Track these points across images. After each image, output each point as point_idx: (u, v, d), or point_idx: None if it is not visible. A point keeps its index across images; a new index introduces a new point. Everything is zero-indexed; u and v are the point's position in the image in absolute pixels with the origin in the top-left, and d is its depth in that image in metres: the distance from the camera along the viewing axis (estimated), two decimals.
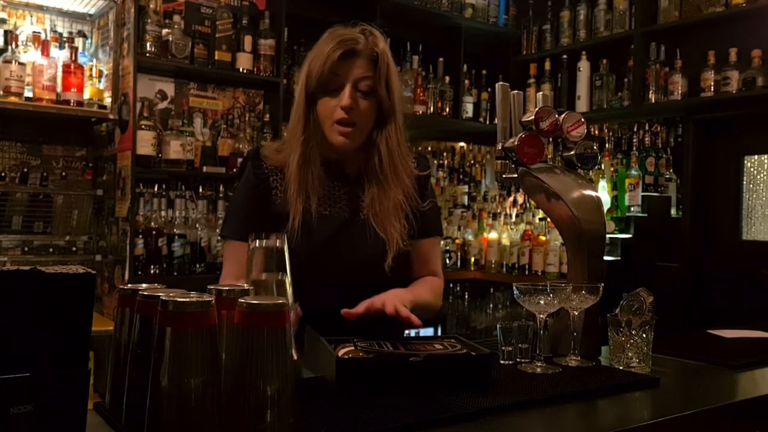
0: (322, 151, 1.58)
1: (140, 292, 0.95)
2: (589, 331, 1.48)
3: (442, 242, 4.04)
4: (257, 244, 1.17)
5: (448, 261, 4.27)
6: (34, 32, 3.06)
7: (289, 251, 1.19)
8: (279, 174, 1.61)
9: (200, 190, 3.39)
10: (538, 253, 3.95)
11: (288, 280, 1.17)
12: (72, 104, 2.98)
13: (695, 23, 3.69)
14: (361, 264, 1.56)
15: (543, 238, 3.98)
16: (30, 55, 2.97)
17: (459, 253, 4.35)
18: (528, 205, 4.21)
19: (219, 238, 3.08)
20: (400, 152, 1.59)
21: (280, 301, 0.89)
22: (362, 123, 1.55)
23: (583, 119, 1.61)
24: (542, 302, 1.36)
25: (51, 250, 3.21)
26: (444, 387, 1.17)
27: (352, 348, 1.25)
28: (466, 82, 4.38)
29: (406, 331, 1.77)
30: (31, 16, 3.16)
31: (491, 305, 4.26)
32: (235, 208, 1.68)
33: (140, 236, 3.10)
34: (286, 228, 1.52)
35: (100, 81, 3.19)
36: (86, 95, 3.07)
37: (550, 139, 1.61)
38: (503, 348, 1.40)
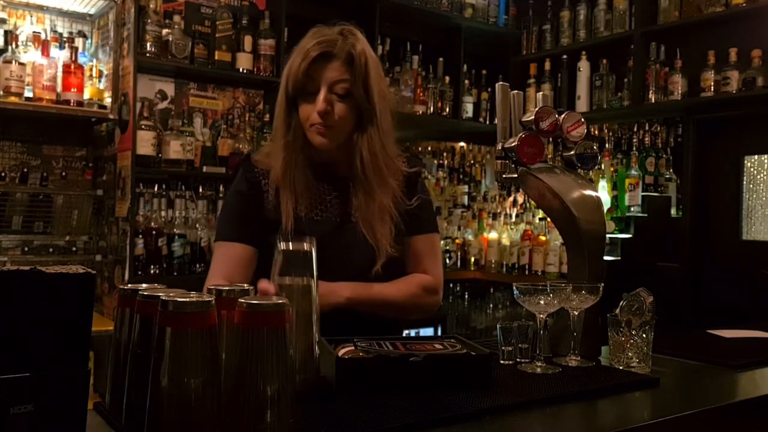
0: (308, 154, 1.56)
1: (140, 292, 0.95)
2: (589, 331, 1.48)
3: (441, 242, 4.04)
4: (285, 247, 1.17)
5: (448, 261, 4.27)
6: (34, 32, 3.06)
7: None
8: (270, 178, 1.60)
9: (200, 190, 3.39)
10: (538, 253, 3.95)
11: (314, 283, 1.17)
12: (72, 104, 2.98)
13: (695, 23, 3.69)
14: (353, 267, 1.54)
15: (543, 238, 3.98)
16: (30, 55, 2.96)
17: (459, 253, 4.35)
18: (528, 205, 4.21)
19: None
20: (385, 154, 1.55)
21: (280, 301, 0.89)
22: (339, 125, 1.52)
23: (583, 119, 1.61)
24: (542, 302, 1.36)
25: (51, 250, 3.21)
26: (444, 387, 1.17)
27: (352, 348, 1.25)
28: (466, 82, 4.38)
29: (405, 331, 1.77)
30: (31, 16, 3.16)
31: (491, 305, 4.26)
32: (227, 213, 1.67)
33: (140, 236, 3.10)
34: (279, 231, 1.50)
35: (100, 81, 3.18)
36: (86, 95, 3.07)
37: (550, 139, 1.61)
38: (503, 348, 1.40)
